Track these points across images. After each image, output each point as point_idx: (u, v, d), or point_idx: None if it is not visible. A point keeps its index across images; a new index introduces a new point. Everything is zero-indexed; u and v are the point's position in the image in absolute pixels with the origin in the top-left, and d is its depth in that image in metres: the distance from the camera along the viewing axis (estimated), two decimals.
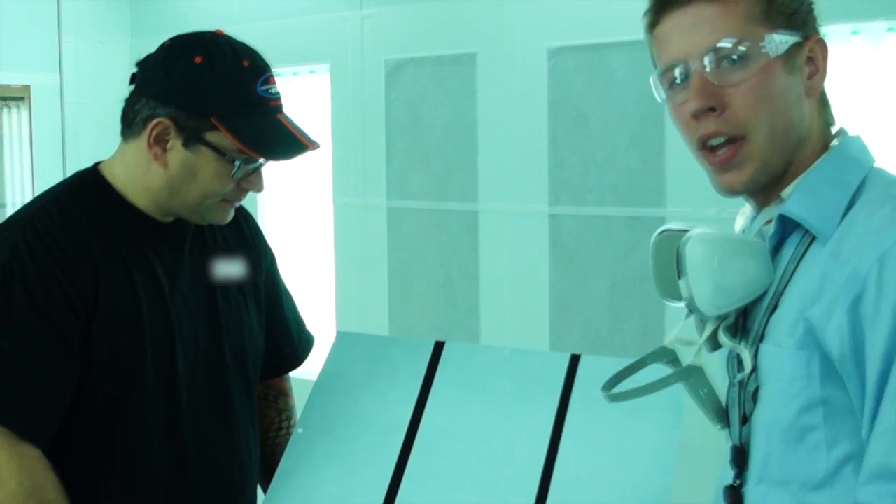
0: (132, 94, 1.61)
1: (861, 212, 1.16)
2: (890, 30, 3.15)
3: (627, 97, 3.62)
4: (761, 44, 1.19)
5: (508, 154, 3.95)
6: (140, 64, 1.62)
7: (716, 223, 1.36)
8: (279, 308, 1.89)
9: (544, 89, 3.81)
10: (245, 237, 1.83)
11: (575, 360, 1.67)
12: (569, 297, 3.84)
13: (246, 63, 1.57)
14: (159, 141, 1.56)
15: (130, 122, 1.60)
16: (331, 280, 4.55)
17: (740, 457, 1.21)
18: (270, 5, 4.65)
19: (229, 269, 1.75)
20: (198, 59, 1.55)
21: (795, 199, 1.21)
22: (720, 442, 1.42)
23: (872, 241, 1.10)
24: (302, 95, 4.60)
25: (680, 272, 1.22)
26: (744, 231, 1.36)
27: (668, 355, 1.32)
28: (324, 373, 1.80)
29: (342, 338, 1.85)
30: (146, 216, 1.64)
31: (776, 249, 1.24)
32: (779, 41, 1.19)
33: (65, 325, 1.52)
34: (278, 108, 1.61)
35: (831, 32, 3.17)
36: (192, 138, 1.55)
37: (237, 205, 1.68)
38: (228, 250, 1.76)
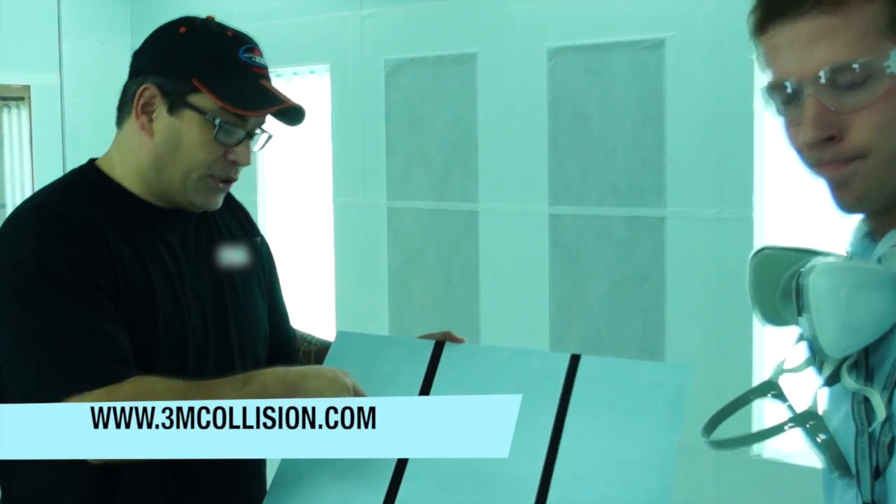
0: (126, 81, 1.67)
1: None
2: None
3: (627, 97, 3.62)
4: (886, 62, 1.02)
5: (508, 154, 3.95)
6: (134, 54, 1.68)
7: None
8: (278, 304, 1.91)
9: (544, 89, 3.81)
10: (245, 229, 1.85)
11: (575, 360, 1.67)
12: (569, 297, 3.84)
13: (230, 33, 1.64)
14: (146, 110, 1.61)
15: (122, 104, 1.66)
16: (331, 280, 4.55)
17: None
18: (270, 5, 4.65)
19: (234, 256, 1.77)
20: (182, 30, 1.63)
21: None
22: None
23: None
24: (302, 95, 4.60)
25: (801, 308, 1.09)
26: (851, 251, 1.21)
27: (772, 389, 1.19)
28: None
29: (342, 338, 1.85)
30: (147, 204, 1.66)
31: None
32: None
33: (108, 285, 1.55)
34: (262, 76, 1.63)
35: None
36: (175, 103, 1.59)
37: (226, 189, 1.67)
38: (232, 239, 1.78)
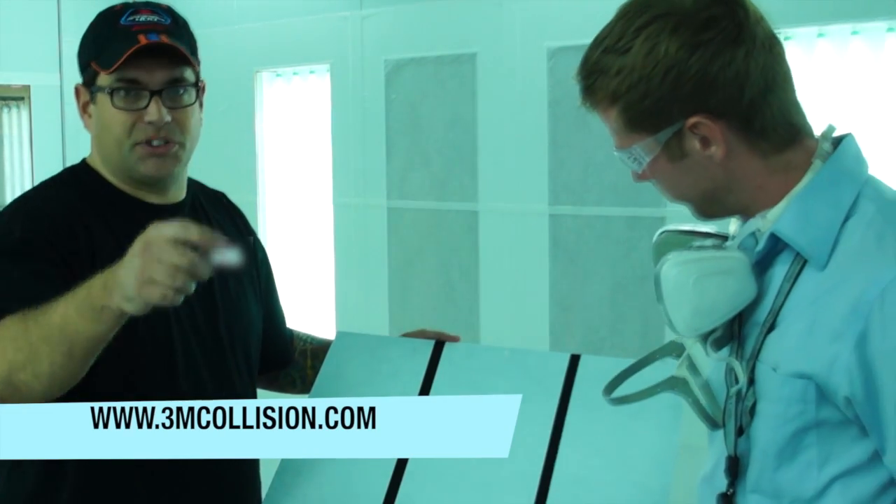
0: None
1: (855, 234, 1.17)
2: (890, 30, 3.15)
3: None
4: (629, 153, 1.25)
5: (508, 154, 3.95)
6: None
7: (715, 223, 1.36)
8: (274, 305, 1.91)
9: (544, 89, 3.81)
10: (239, 230, 1.86)
11: (575, 360, 1.67)
12: (569, 298, 3.84)
13: (118, 7, 1.67)
14: (86, 109, 1.70)
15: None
16: (331, 280, 4.55)
17: (734, 467, 1.24)
18: (270, 5, 4.64)
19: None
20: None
21: (787, 220, 1.21)
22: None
23: (871, 274, 1.12)
24: (302, 95, 4.60)
25: (658, 296, 1.27)
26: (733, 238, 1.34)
27: (677, 349, 1.35)
28: (324, 373, 1.80)
29: (342, 338, 1.85)
30: (134, 199, 1.69)
31: (768, 264, 1.25)
32: (643, 147, 1.23)
33: (72, 264, 1.56)
34: (145, 31, 1.64)
35: (831, 32, 3.17)
36: (93, 92, 1.67)
37: (165, 152, 1.65)
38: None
